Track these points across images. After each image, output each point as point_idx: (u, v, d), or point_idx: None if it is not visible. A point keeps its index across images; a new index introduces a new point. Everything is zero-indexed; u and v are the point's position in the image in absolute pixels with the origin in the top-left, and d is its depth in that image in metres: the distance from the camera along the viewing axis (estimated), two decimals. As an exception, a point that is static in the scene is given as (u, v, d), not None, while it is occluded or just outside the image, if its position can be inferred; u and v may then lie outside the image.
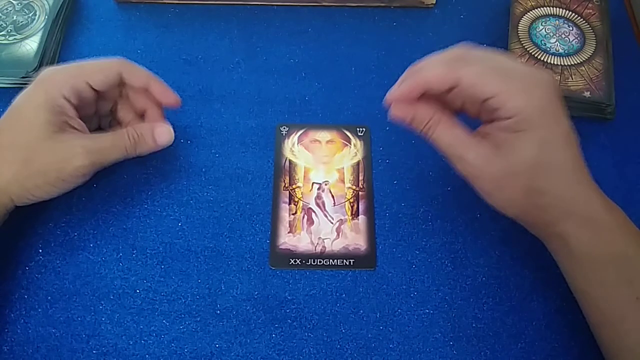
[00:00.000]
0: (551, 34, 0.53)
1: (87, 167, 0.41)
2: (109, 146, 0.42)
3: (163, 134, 0.45)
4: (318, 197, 0.47)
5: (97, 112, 0.46)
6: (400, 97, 0.39)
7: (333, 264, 0.44)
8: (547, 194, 0.36)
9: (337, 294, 0.43)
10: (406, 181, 0.48)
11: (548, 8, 0.55)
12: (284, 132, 0.50)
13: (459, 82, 0.36)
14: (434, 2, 0.57)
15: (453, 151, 0.38)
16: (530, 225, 0.40)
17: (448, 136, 0.38)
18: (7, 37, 0.53)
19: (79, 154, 0.40)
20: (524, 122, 0.36)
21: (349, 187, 0.47)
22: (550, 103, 0.36)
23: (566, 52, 0.52)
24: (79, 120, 0.42)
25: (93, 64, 0.43)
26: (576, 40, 0.53)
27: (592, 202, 0.37)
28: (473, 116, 0.39)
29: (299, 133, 0.50)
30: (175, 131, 0.50)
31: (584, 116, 0.50)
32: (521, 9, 0.55)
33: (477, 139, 0.38)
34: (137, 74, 0.44)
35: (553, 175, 0.36)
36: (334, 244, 0.45)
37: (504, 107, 0.36)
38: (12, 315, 0.41)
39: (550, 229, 0.38)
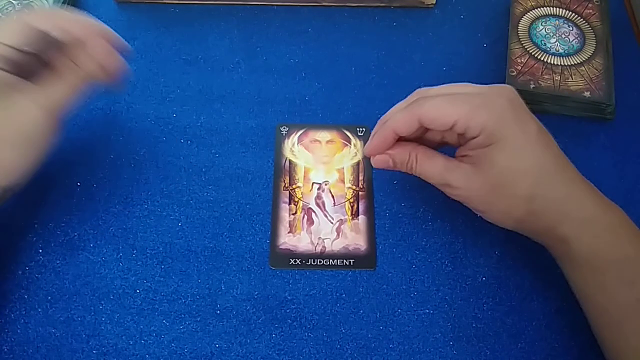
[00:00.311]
0: (551, 34, 0.53)
1: (46, 118, 0.38)
2: (59, 88, 0.39)
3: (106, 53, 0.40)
4: (318, 197, 0.47)
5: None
6: (374, 150, 0.41)
7: (333, 264, 0.44)
8: (536, 198, 0.37)
9: (337, 294, 0.43)
10: (406, 181, 0.48)
11: (548, 8, 0.55)
12: (284, 132, 0.50)
13: (421, 120, 0.38)
14: (434, 2, 0.57)
15: (438, 179, 0.40)
16: (531, 233, 0.40)
17: (430, 167, 0.40)
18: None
19: (31, 108, 0.38)
20: (491, 136, 0.37)
21: (349, 187, 0.47)
22: (512, 110, 0.37)
23: (566, 52, 0.52)
24: (25, 82, 0.38)
25: (6, 23, 0.40)
26: (576, 40, 0.53)
27: (586, 202, 0.37)
28: (456, 145, 0.41)
29: (299, 133, 0.50)
30: (175, 131, 0.50)
31: (584, 116, 0.50)
32: (521, 9, 0.55)
33: (456, 162, 0.39)
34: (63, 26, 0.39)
35: (536, 179, 0.37)
36: (334, 244, 0.45)
37: (469, 127, 0.37)
38: (12, 315, 0.41)
39: (551, 233, 0.38)
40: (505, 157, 0.37)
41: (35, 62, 0.39)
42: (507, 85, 0.40)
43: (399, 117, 0.39)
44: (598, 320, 0.38)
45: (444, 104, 0.38)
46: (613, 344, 0.37)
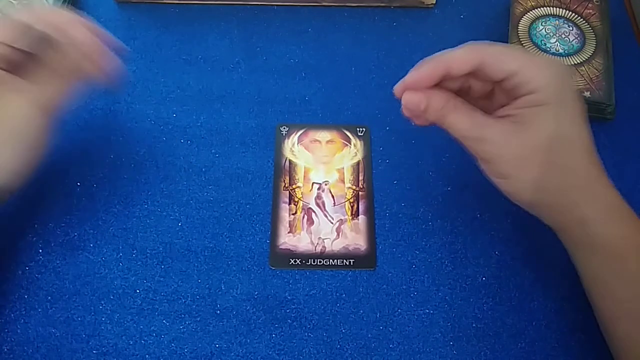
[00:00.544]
0: (551, 34, 0.53)
1: (40, 116, 0.38)
2: (52, 86, 0.39)
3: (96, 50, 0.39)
4: (318, 197, 0.47)
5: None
6: (414, 83, 0.37)
7: (333, 264, 0.44)
8: (568, 170, 0.36)
9: (337, 294, 0.43)
10: (406, 181, 0.48)
11: (548, 8, 0.55)
12: (284, 132, 0.50)
13: (482, 60, 0.36)
14: (434, 2, 0.57)
15: (471, 133, 0.37)
16: (546, 211, 0.38)
17: (465, 118, 0.37)
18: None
19: (24, 107, 0.37)
20: (545, 97, 0.35)
21: (349, 187, 0.47)
22: (569, 82, 0.37)
23: (566, 52, 0.52)
24: (17, 78, 0.38)
25: None
26: (576, 40, 0.53)
27: (609, 189, 0.36)
28: (483, 108, 0.38)
29: (299, 133, 0.50)
30: (175, 131, 0.50)
31: (584, 116, 0.50)
32: (521, 9, 0.55)
33: (494, 119, 0.37)
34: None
35: (573, 151, 0.36)
36: (334, 244, 0.45)
37: (529, 81, 0.35)
38: (12, 315, 0.41)
39: (569, 214, 0.36)
40: (552, 121, 0.35)
41: (27, 58, 0.39)
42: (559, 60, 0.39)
43: (459, 52, 0.36)
44: (613, 311, 0.37)
45: (509, 50, 0.36)
46: (629, 336, 0.36)
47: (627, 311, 0.36)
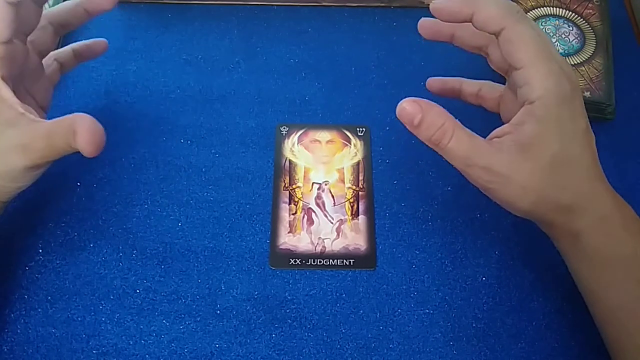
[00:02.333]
0: (551, 34, 0.53)
1: (31, 166, 0.36)
2: (46, 146, 0.36)
3: (89, 139, 0.35)
4: (318, 197, 0.47)
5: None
6: (443, 7, 0.36)
7: (333, 264, 0.44)
8: (570, 189, 0.35)
9: (337, 294, 0.43)
10: (406, 181, 0.48)
11: (548, 8, 0.55)
12: (284, 132, 0.50)
13: (503, 30, 0.34)
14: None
15: (476, 161, 0.35)
16: (540, 222, 0.39)
17: (467, 146, 0.34)
18: None
19: (18, 153, 0.36)
20: (544, 112, 0.34)
21: (349, 187, 0.47)
22: (578, 97, 0.35)
23: (566, 52, 0.52)
24: (19, 106, 0.37)
25: None
26: (576, 40, 0.53)
27: (605, 199, 0.36)
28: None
29: (299, 133, 0.50)
30: (175, 131, 0.50)
31: (584, 116, 0.50)
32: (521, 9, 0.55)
33: (497, 146, 0.35)
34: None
35: (575, 170, 0.35)
36: (334, 244, 0.45)
37: (527, 85, 0.34)
38: (12, 315, 0.41)
39: (565, 226, 0.37)
40: (557, 141, 0.34)
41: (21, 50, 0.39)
42: (575, 75, 0.37)
43: (493, 9, 0.34)
44: (603, 317, 0.38)
45: (531, 37, 0.34)
46: (618, 342, 0.37)
47: (616, 318, 0.37)
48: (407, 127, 0.35)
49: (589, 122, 0.36)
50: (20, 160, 0.36)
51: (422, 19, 0.39)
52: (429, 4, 0.37)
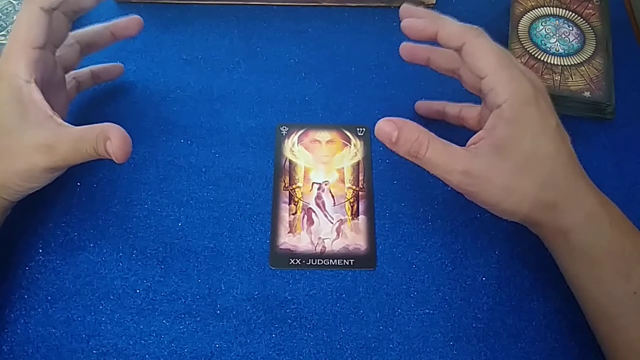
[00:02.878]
0: (551, 34, 0.53)
1: (52, 167, 0.38)
2: (71, 149, 0.38)
3: (119, 147, 0.37)
4: (318, 197, 0.47)
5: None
6: (411, 26, 0.39)
7: (333, 264, 0.44)
8: (549, 186, 0.36)
9: (337, 294, 0.43)
10: (406, 181, 0.48)
11: (548, 8, 0.55)
12: (284, 132, 0.50)
13: (466, 43, 0.37)
14: (434, 2, 0.57)
15: (454, 167, 0.36)
16: (527, 223, 0.40)
17: (443, 154, 0.36)
18: (7, 37, 0.53)
19: (40, 155, 0.37)
20: (515, 112, 0.36)
21: (349, 187, 0.47)
22: (535, 97, 0.37)
23: (566, 52, 0.52)
24: (49, 109, 0.39)
25: (19, 26, 0.39)
26: (576, 40, 0.53)
27: (589, 196, 0.37)
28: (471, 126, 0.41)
29: (299, 133, 0.50)
30: (175, 131, 0.50)
31: (584, 116, 0.50)
32: (521, 9, 0.55)
33: (474, 151, 0.37)
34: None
35: (554, 167, 0.36)
36: (334, 244, 0.45)
37: (496, 87, 0.36)
38: (12, 315, 0.41)
39: (552, 224, 0.38)
40: (532, 141, 0.36)
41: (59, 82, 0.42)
42: (535, 76, 0.39)
43: (454, 25, 0.38)
44: (594, 313, 0.38)
45: (492, 51, 0.37)
46: (610, 338, 0.38)
47: (606, 314, 0.37)
48: (387, 145, 0.37)
49: (559, 121, 0.38)
50: (43, 160, 0.37)
51: (403, 43, 0.43)
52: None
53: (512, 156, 0.36)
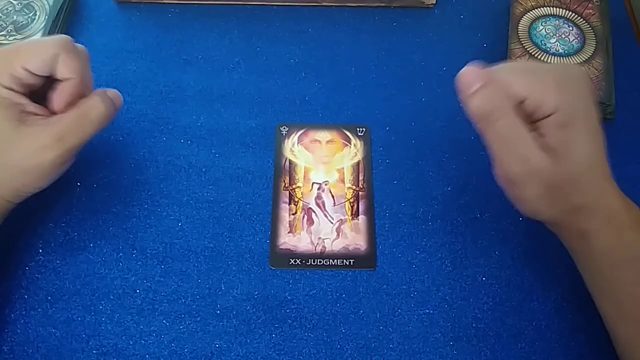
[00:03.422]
0: (551, 34, 0.53)
1: (63, 155, 0.39)
2: (76, 125, 0.39)
3: (117, 96, 0.41)
4: (318, 197, 0.47)
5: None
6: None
7: (333, 264, 0.44)
8: (584, 191, 0.36)
9: (337, 294, 0.43)
10: (406, 181, 0.48)
11: (548, 8, 0.55)
12: (284, 132, 0.50)
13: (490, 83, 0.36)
14: (434, 2, 0.57)
15: (519, 148, 0.35)
16: (555, 224, 0.39)
17: (519, 130, 0.35)
18: (7, 37, 0.53)
19: (48, 145, 0.38)
20: (567, 116, 0.35)
21: (349, 187, 0.47)
22: (584, 96, 0.36)
23: (566, 52, 0.52)
24: (35, 105, 0.39)
25: (29, 46, 0.39)
26: (576, 40, 0.53)
27: (614, 200, 0.36)
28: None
29: (299, 133, 0.50)
30: (175, 131, 0.50)
31: (584, 116, 0.50)
32: (521, 9, 0.55)
33: (538, 142, 0.35)
34: (69, 63, 0.39)
35: (590, 170, 0.36)
36: (334, 244, 0.45)
37: (541, 104, 0.35)
38: (12, 315, 0.41)
39: (573, 227, 0.37)
40: (585, 145, 0.35)
41: (51, 87, 0.40)
42: (580, 68, 0.37)
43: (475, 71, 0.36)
44: (613, 315, 0.38)
45: (516, 75, 0.36)
46: (628, 339, 0.37)
47: (626, 316, 0.37)
48: (460, 94, 0.36)
49: (599, 114, 0.36)
50: (53, 151, 0.38)
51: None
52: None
53: (567, 161, 0.35)
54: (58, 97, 0.40)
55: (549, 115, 0.35)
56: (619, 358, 0.38)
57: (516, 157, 0.35)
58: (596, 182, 0.36)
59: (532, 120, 0.36)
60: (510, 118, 0.35)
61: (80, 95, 0.40)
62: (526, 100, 0.35)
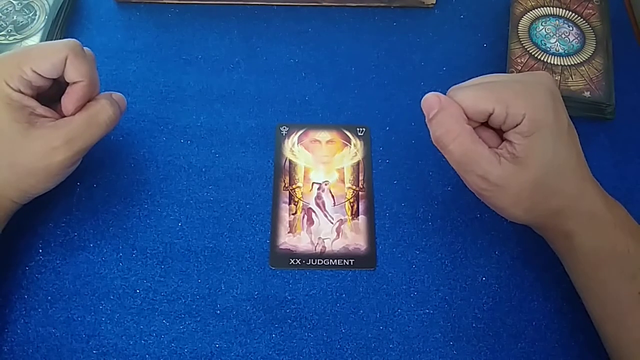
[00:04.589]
0: (551, 34, 0.53)
1: (71, 157, 0.39)
2: (85, 128, 0.40)
3: (122, 100, 0.43)
4: (318, 197, 0.47)
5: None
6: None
7: (333, 264, 0.44)
8: (560, 193, 0.37)
9: (337, 294, 0.43)
10: (406, 181, 0.48)
11: (548, 8, 0.55)
12: (284, 132, 0.50)
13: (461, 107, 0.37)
14: (434, 2, 0.57)
15: (474, 167, 0.36)
16: (534, 226, 0.40)
17: (467, 153, 0.36)
18: (7, 37, 0.53)
19: (58, 147, 0.38)
20: (533, 124, 0.35)
21: (349, 187, 0.47)
22: (551, 100, 0.36)
23: (566, 52, 0.52)
24: (44, 107, 0.40)
25: (39, 49, 0.40)
26: (576, 40, 0.53)
27: (595, 199, 0.37)
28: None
29: (299, 133, 0.50)
30: (175, 131, 0.50)
31: (584, 116, 0.50)
32: (521, 9, 0.55)
33: (497, 157, 0.37)
34: (78, 66, 0.40)
35: (564, 173, 0.37)
36: (334, 244, 0.45)
37: (508, 115, 0.36)
38: (12, 315, 0.41)
39: (557, 228, 0.38)
40: (547, 149, 0.36)
41: (57, 88, 0.41)
42: (545, 73, 0.39)
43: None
44: (600, 314, 0.38)
45: (480, 92, 0.37)
46: (615, 338, 0.37)
47: (612, 314, 0.37)
48: (426, 118, 0.38)
49: (569, 118, 0.37)
50: (62, 153, 0.39)
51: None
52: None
53: (532, 169, 0.36)
54: (68, 100, 0.40)
55: (519, 124, 0.36)
56: (609, 357, 0.39)
57: (475, 175, 0.37)
58: (573, 184, 0.37)
59: (504, 130, 0.37)
60: (462, 139, 0.36)
61: (88, 98, 0.41)
62: (494, 113, 0.36)
